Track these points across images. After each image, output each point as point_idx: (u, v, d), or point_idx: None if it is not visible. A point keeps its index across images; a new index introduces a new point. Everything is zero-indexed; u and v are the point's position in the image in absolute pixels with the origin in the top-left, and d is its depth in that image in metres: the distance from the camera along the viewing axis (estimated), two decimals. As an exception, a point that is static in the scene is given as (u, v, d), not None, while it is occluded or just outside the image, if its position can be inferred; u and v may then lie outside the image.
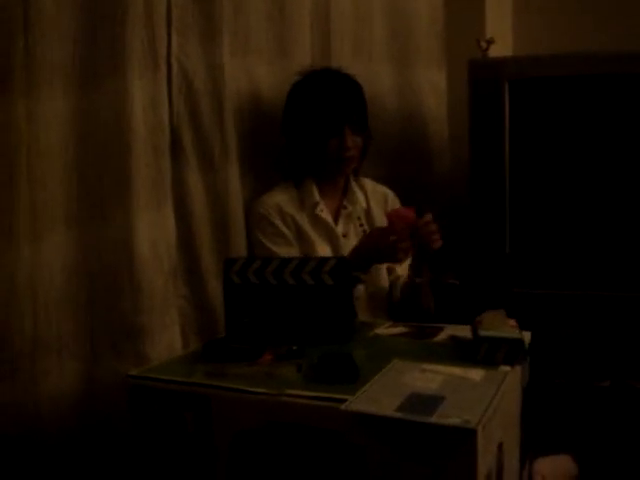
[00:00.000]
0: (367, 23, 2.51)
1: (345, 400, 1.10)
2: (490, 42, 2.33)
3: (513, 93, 2.20)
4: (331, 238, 2.13)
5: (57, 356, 1.69)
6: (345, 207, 2.18)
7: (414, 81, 2.68)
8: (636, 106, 2.12)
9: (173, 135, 1.90)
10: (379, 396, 1.12)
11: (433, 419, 1.03)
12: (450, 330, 1.58)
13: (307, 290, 1.51)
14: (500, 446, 1.13)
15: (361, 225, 2.18)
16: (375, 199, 2.25)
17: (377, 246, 1.90)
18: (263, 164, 2.22)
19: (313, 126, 2.07)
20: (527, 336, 1.43)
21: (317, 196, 2.13)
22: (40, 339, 1.66)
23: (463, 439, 1.00)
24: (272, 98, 2.20)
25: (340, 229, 2.16)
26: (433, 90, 2.74)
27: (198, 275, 1.96)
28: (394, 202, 2.28)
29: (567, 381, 2.10)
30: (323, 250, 2.10)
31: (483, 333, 1.33)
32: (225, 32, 1.98)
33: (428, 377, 1.21)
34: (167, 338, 1.84)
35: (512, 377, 1.25)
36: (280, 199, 2.12)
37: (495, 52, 2.35)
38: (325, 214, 2.14)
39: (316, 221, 2.13)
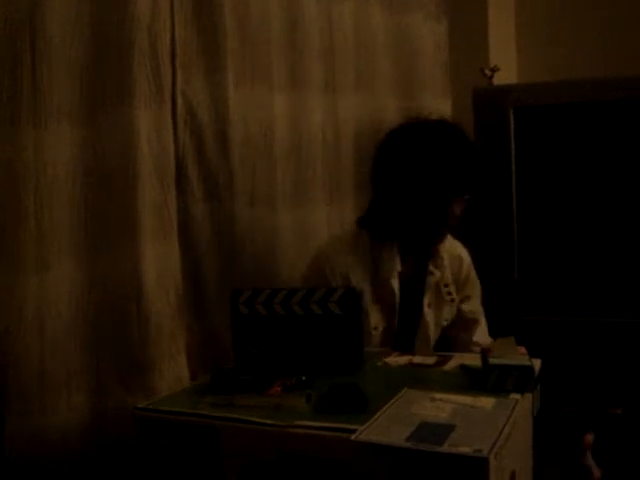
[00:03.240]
0: (371, 53, 2.52)
1: (355, 430, 1.09)
2: (494, 70, 2.34)
3: (518, 120, 2.21)
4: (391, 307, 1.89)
5: (65, 388, 1.69)
6: (432, 273, 1.93)
7: (420, 110, 2.69)
8: (642, 132, 2.12)
9: (178, 166, 1.90)
10: (389, 426, 1.11)
11: (444, 448, 1.01)
12: (459, 358, 1.56)
13: (315, 320, 1.50)
14: (512, 475, 1.12)
15: (449, 293, 1.95)
16: (451, 263, 1.99)
17: None
18: (268, 194, 2.20)
19: (441, 189, 1.80)
20: (537, 363, 1.41)
21: (398, 266, 1.87)
22: (47, 371, 1.65)
23: (475, 468, 0.98)
24: (280, 128, 2.18)
25: (427, 299, 1.93)
26: (439, 119, 2.75)
27: (204, 305, 1.96)
28: (468, 269, 2.03)
29: (579, 409, 2.08)
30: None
31: (493, 361, 1.32)
32: (230, 64, 1.99)
33: (438, 406, 1.20)
34: (174, 370, 1.83)
35: (523, 405, 1.23)
36: (351, 262, 1.85)
37: (499, 80, 2.36)
38: (395, 283, 1.86)
39: (384, 289, 1.87)
